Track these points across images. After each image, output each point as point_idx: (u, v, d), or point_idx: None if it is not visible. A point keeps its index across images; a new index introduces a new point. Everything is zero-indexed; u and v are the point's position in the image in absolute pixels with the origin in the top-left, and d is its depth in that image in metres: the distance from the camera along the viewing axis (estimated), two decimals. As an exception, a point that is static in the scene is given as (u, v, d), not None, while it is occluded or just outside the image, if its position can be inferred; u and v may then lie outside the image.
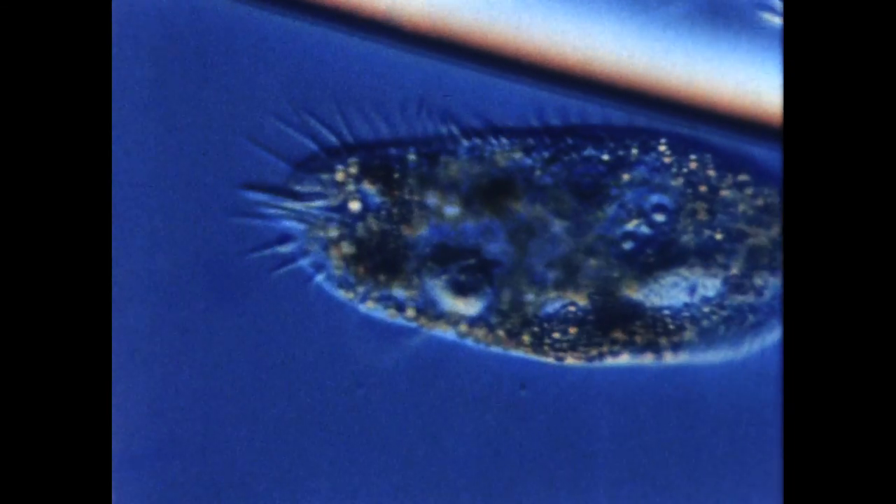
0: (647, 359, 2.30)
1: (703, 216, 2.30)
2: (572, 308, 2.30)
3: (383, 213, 2.31)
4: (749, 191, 2.31)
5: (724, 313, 2.30)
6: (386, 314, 2.31)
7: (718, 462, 2.30)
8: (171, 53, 2.32)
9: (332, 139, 2.32)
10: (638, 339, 2.30)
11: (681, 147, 2.31)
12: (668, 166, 2.31)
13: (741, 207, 2.31)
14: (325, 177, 2.32)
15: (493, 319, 2.30)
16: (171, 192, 2.31)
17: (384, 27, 2.32)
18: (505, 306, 2.30)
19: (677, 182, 2.31)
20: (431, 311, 2.30)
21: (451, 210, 2.30)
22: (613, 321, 2.30)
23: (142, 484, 2.30)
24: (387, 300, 2.31)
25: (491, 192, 2.30)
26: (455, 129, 2.32)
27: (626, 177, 2.31)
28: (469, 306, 2.30)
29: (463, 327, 2.30)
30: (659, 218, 2.31)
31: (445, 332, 2.31)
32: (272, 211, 2.31)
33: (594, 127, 2.32)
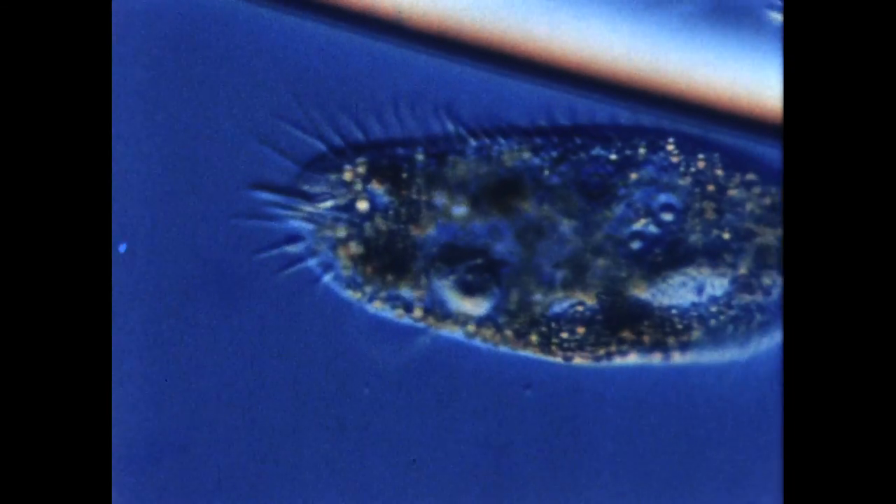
0: (656, 358, 2.30)
1: (710, 215, 2.30)
2: (580, 308, 2.30)
3: (391, 212, 2.31)
4: (757, 190, 2.31)
5: (732, 313, 2.30)
6: (394, 314, 2.31)
7: (718, 462, 2.30)
8: (172, 53, 2.32)
9: (340, 139, 2.32)
10: (646, 338, 2.30)
11: (688, 146, 2.31)
12: (676, 165, 2.31)
13: (749, 206, 2.30)
14: (333, 177, 2.32)
15: (501, 319, 2.30)
16: (171, 192, 2.32)
17: (391, 26, 2.32)
18: (513, 306, 2.30)
19: (685, 181, 2.31)
20: (439, 311, 2.31)
21: (459, 210, 2.30)
22: (621, 321, 2.30)
23: (142, 484, 2.30)
24: (395, 300, 2.31)
25: (499, 192, 2.30)
26: (463, 129, 2.32)
27: (633, 176, 2.31)
28: (477, 306, 2.30)
29: (471, 327, 2.30)
30: (667, 217, 2.31)
31: (453, 333, 2.31)
32: (280, 211, 2.31)
33: (602, 126, 2.32)
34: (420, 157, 2.31)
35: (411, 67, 2.32)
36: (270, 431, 2.32)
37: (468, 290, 2.30)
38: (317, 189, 2.32)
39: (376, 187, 2.31)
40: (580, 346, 2.30)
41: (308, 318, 2.31)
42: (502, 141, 2.32)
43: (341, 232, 2.31)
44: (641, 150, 2.31)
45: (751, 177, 2.31)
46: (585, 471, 2.31)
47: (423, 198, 2.31)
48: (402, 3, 2.31)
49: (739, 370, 2.30)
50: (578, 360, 2.30)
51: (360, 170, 2.32)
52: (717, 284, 2.30)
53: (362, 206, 2.31)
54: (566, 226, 2.30)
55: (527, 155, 2.31)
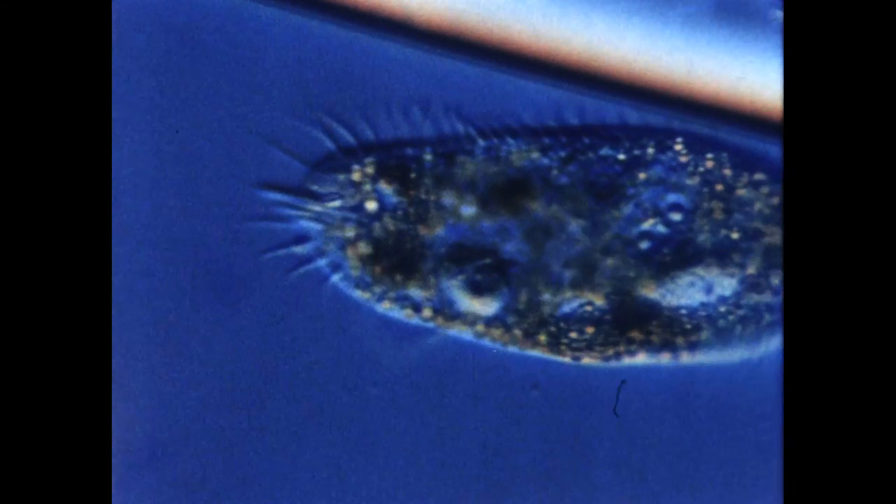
0: (664, 358, 2.30)
1: (719, 215, 2.30)
2: (589, 308, 2.30)
3: (400, 212, 2.31)
4: (765, 189, 2.31)
5: (741, 312, 2.30)
6: (402, 314, 2.31)
7: (718, 462, 2.30)
8: (172, 53, 2.32)
9: (349, 139, 2.32)
10: (654, 338, 2.30)
11: (697, 146, 2.31)
12: (685, 165, 2.31)
13: (757, 206, 2.30)
14: (341, 177, 2.32)
15: (510, 319, 2.30)
16: (173, 193, 2.31)
17: (399, 25, 2.32)
18: (521, 306, 2.30)
19: (693, 181, 2.31)
20: (448, 312, 2.30)
21: (468, 210, 2.30)
22: (630, 321, 2.30)
23: (142, 484, 2.30)
24: (403, 300, 2.31)
25: (507, 192, 2.30)
26: (471, 129, 2.32)
27: (642, 176, 2.31)
28: (485, 306, 2.30)
29: (480, 327, 2.30)
30: (675, 217, 2.31)
31: (462, 333, 2.31)
32: (288, 211, 2.31)
33: (611, 126, 2.32)
34: (428, 157, 2.31)
35: (419, 67, 2.32)
36: (276, 432, 2.31)
37: (477, 290, 2.30)
38: (325, 189, 2.32)
39: (385, 187, 2.31)
40: (589, 346, 2.30)
41: (316, 318, 2.31)
42: (511, 141, 2.31)
43: (350, 232, 2.31)
44: (650, 150, 2.31)
45: (759, 176, 2.31)
46: (586, 471, 2.31)
47: (432, 198, 2.31)
48: (411, 3, 2.31)
49: (742, 371, 2.30)
50: (587, 361, 2.30)
51: (369, 170, 2.32)
52: (725, 284, 2.30)
53: (371, 206, 2.31)
54: (575, 226, 2.30)
55: (535, 155, 2.31)
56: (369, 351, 2.31)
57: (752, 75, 2.30)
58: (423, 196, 2.31)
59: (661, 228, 2.31)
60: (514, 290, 2.30)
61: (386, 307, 2.31)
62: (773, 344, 2.30)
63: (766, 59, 2.30)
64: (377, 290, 2.31)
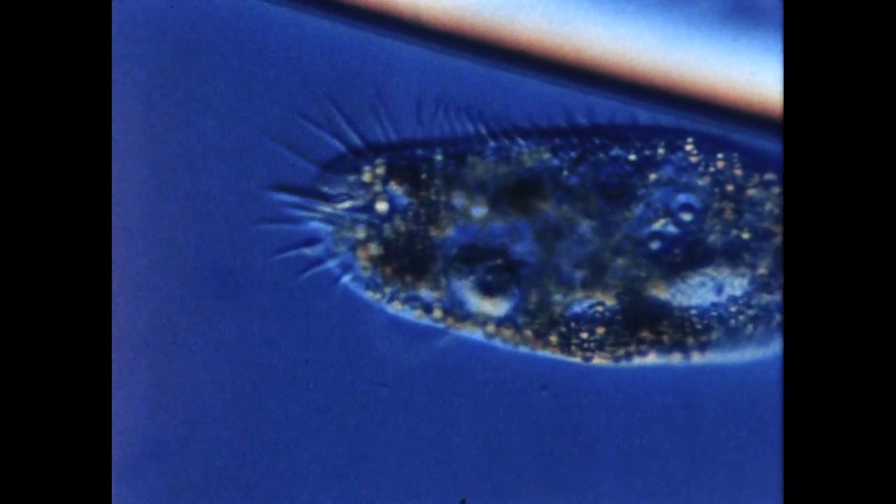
0: (675, 359, 2.30)
1: (730, 215, 2.30)
2: (600, 308, 2.30)
3: (410, 213, 2.31)
4: (776, 189, 2.30)
5: (752, 313, 2.30)
6: (413, 315, 2.31)
7: (719, 463, 2.30)
8: (173, 53, 2.32)
9: (359, 140, 2.32)
10: (665, 338, 2.30)
11: (707, 146, 2.31)
12: (695, 165, 2.31)
13: (768, 206, 2.30)
14: (351, 178, 2.32)
15: (521, 320, 2.30)
16: (174, 193, 2.31)
17: (408, 24, 2.31)
18: (532, 307, 2.30)
19: (704, 181, 2.31)
20: (459, 312, 2.30)
21: (478, 210, 2.30)
22: (641, 321, 2.30)
23: (142, 484, 2.31)
24: (414, 301, 2.31)
25: (518, 193, 2.30)
26: (482, 129, 2.31)
27: (652, 176, 2.31)
28: (496, 307, 2.30)
29: (490, 328, 2.30)
30: (686, 217, 2.30)
31: (473, 333, 2.31)
32: (299, 212, 2.31)
33: (621, 127, 2.32)
34: (439, 157, 2.31)
35: (429, 67, 2.32)
36: (278, 432, 2.32)
37: (488, 290, 2.30)
38: (335, 190, 2.32)
39: (395, 188, 2.31)
40: (600, 346, 2.30)
41: (327, 319, 2.31)
42: (521, 141, 2.31)
43: (360, 233, 2.31)
44: (660, 151, 2.31)
45: (769, 176, 2.31)
46: (586, 470, 2.31)
47: (442, 199, 2.31)
48: (420, 2, 2.31)
49: (733, 371, 2.31)
50: (598, 361, 2.30)
51: (379, 171, 2.31)
52: (736, 284, 2.30)
53: (381, 207, 2.31)
54: (585, 226, 2.30)
55: (546, 155, 2.31)
56: (379, 352, 2.31)
57: (765, 73, 2.30)
58: (433, 197, 2.31)
59: (671, 229, 2.30)
60: (524, 291, 2.30)
61: (397, 308, 2.31)
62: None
63: (777, 58, 2.30)
64: (388, 291, 2.31)
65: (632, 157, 2.31)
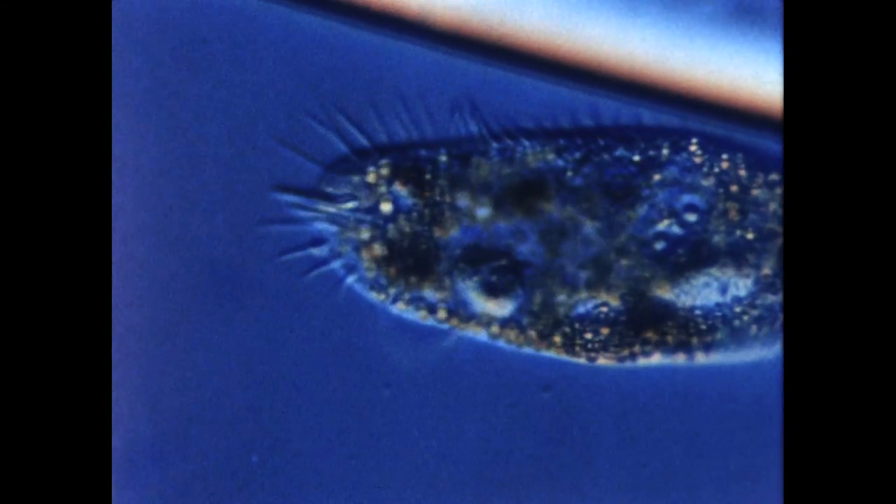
0: (679, 359, 2.30)
1: (734, 216, 2.30)
2: (604, 308, 2.30)
3: (415, 214, 2.31)
4: (780, 190, 2.30)
5: (756, 313, 2.30)
6: (417, 316, 2.31)
7: (719, 462, 2.31)
8: (173, 53, 2.31)
9: (363, 140, 2.32)
10: (669, 339, 2.30)
11: (712, 147, 2.31)
12: (700, 166, 2.31)
13: (772, 207, 2.30)
14: (356, 178, 2.32)
15: (525, 320, 2.30)
16: (175, 194, 2.31)
17: (413, 25, 2.31)
18: (536, 307, 2.30)
19: (708, 182, 2.31)
20: (463, 313, 2.30)
21: (483, 211, 2.30)
22: (645, 321, 2.30)
23: (142, 484, 2.31)
24: (418, 302, 2.31)
25: (522, 193, 2.30)
26: (486, 130, 2.31)
27: (657, 177, 2.31)
28: (500, 307, 2.30)
29: (494, 328, 2.30)
30: (690, 218, 2.30)
31: (477, 334, 2.31)
32: (303, 213, 2.31)
33: (625, 127, 2.31)
34: (443, 158, 2.31)
35: (434, 68, 2.31)
36: (279, 432, 2.32)
37: (492, 291, 2.30)
38: (340, 191, 2.32)
39: (399, 189, 2.31)
40: (604, 346, 2.30)
41: (331, 319, 2.31)
42: (526, 142, 2.31)
43: (365, 234, 2.31)
44: (665, 151, 2.31)
45: (774, 177, 2.30)
46: (589, 470, 2.32)
47: (447, 199, 2.31)
48: (426, 3, 2.31)
49: (733, 371, 2.31)
50: (602, 361, 2.30)
51: (384, 171, 2.31)
52: (740, 285, 2.30)
53: (386, 207, 2.31)
54: (590, 227, 2.30)
55: (550, 156, 2.31)
56: (383, 352, 2.31)
57: (769, 73, 2.30)
58: (437, 198, 2.31)
59: (676, 229, 2.30)
60: (528, 292, 2.30)
61: (401, 308, 2.31)
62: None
63: (777, 58, 2.30)
64: (392, 291, 2.31)
65: (636, 157, 2.31)
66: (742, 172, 2.30)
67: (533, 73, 2.31)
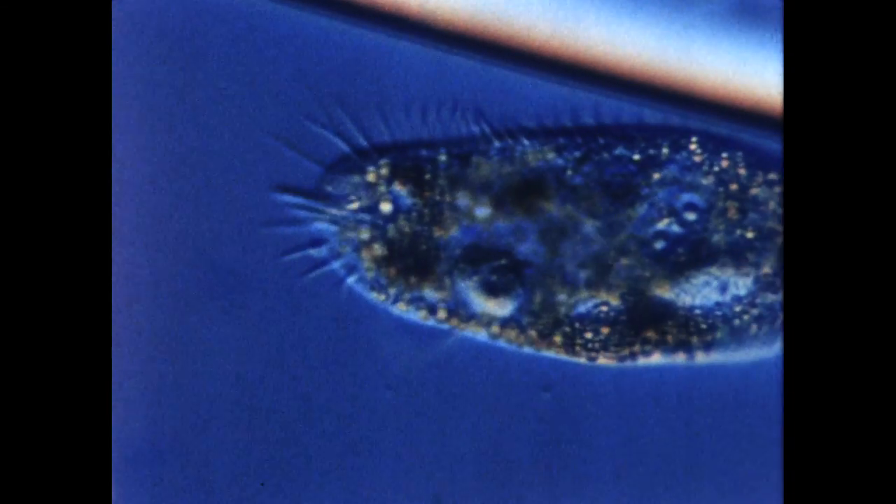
0: (679, 358, 2.30)
1: (734, 215, 2.30)
2: (604, 308, 2.30)
3: (414, 214, 2.31)
4: (779, 188, 2.30)
5: (756, 312, 2.30)
6: (418, 316, 2.31)
7: (719, 461, 2.31)
8: (173, 53, 2.31)
9: (363, 140, 2.32)
10: (669, 338, 2.30)
11: (711, 146, 2.31)
12: (699, 165, 2.31)
13: (772, 205, 2.30)
14: (356, 178, 2.31)
15: (525, 320, 2.30)
16: (175, 194, 2.31)
17: (414, 25, 2.31)
18: (536, 307, 2.30)
19: (708, 181, 2.31)
20: (463, 313, 2.30)
21: (483, 211, 2.30)
22: (645, 320, 2.30)
23: (142, 484, 2.30)
24: (418, 302, 2.30)
25: (522, 193, 2.30)
26: (487, 129, 2.31)
27: (657, 176, 2.31)
28: (500, 307, 2.30)
29: (495, 328, 2.30)
30: (690, 217, 2.30)
31: (477, 334, 2.31)
32: (303, 213, 2.31)
33: (625, 126, 2.31)
34: (443, 157, 2.31)
35: (434, 67, 2.31)
36: (279, 432, 2.31)
37: (492, 290, 2.30)
38: (339, 191, 2.31)
39: (399, 189, 2.30)
40: (604, 346, 2.30)
41: (332, 320, 2.31)
42: (525, 141, 2.31)
43: (364, 234, 2.31)
44: (664, 150, 2.31)
45: (773, 176, 2.31)
46: (589, 470, 2.32)
47: (447, 199, 2.30)
48: (429, 2, 2.31)
49: (733, 371, 2.31)
50: (602, 361, 2.30)
51: (384, 171, 2.31)
52: (740, 284, 2.30)
53: (386, 207, 2.31)
54: (590, 226, 2.30)
55: (550, 155, 2.31)
56: (383, 353, 2.31)
57: (769, 72, 2.30)
58: (437, 197, 2.31)
59: (675, 228, 2.30)
60: (529, 291, 2.30)
61: (401, 309, 2.31)
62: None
63: (777, 58, 2.30)
64: (392, 291, 2.31)
65: (636, 156, 2.31)
66: (742, 171, 2.30)
67: (532, 72, 2.31)
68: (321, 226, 2.31)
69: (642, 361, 2.30)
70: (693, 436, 2.31)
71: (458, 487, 2.31)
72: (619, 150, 2.31)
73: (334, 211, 2.31)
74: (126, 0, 2.30)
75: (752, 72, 2.30)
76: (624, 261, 2.30)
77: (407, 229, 2.31)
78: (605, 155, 2.31)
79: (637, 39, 2.30)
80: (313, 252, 2.31)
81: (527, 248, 2.30)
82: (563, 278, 2.30)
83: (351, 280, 2.31)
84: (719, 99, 2.31)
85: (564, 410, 2.31)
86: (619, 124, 2.32)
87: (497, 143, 2.31)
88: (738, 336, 2.30)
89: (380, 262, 2.30)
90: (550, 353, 2.31)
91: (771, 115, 2.30)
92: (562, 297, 2.30)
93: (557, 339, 2.30)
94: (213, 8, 2.30)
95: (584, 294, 2.30)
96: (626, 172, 2.31)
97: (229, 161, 2.31)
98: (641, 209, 2.30)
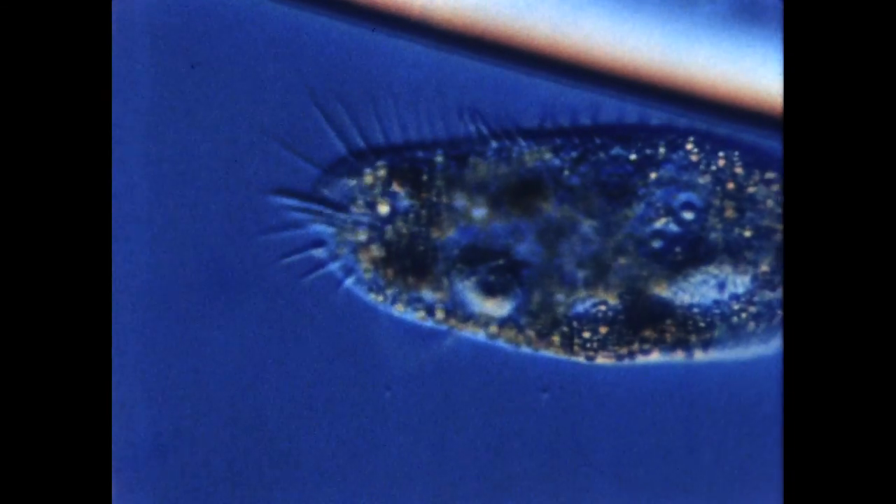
0: (678, 356, 2.30)
1: (731, 213, 2.30)
2: (602, 307, 2.30)
3: (412, 215, 2.31)
4: (776, 187, 2.31)
5: (754, 310, 2.30)
6: (416, 317, 2.31)
7: (719, 460, 2.31)
8: (173, 53, 2.31)
9: (360, 141, 2.32)
10: (668, 337, 2.30)
11: (708, 145, 2.31)
12: (696, 164, 2.31)
13: (769, 204, 2.31)
14: (353, 180, 2.32)
15: (523, 320, 2.30)
16: (172, 194, 2.31)
17: (410, 24, 2.32)
18: (535, 307, 2.30)
19: (705, 180, 2.31)
20: (461, 313, 2.30)
21: (480, 211, 2.30)
22: (643, 320, 2.30)
23: (142, 484, 2.30)
24: (416, 303, 2.31)
25: (519, 193, 2.31)
26: (483, 130, 2.32)
27: (653, 175, 2.31)
28: (499, 307, 2.30)
29: (493, 329, 2.30)
30: (687, 216, 2.31)
31: (475, 334, 2.31)
32: (300, 215, 2.31)
33: (622, 126, 2.32)
34: (440, 159, 2.31)
35: (430, 67, 2.32)
36: (278, 433, 2.31)
37: (490, 291, 2.30)
38: (337, 192, 2.32)
39: (397, 190, 2.31)
40: (603, 345, 2.30)
41: (330, 321, 2.31)
42: (522, 142, 2.32)
43: (362, 235, 2.31)
44: (661, 150, 2.31)
45: (770, 174, 2.31)
46: (588, 470, 2.31)
47: (444, 200, 2.31)
48: (428, 2, 2.31)
49: (734, 370, 2.31)
50: (601, 360, 2.30)
51: (381, 173, 2.32)
52: (738, 282, 2.30)
53: (383, 209, 2.31)
54: (587, 226, 2.30)
55: (547, 155, 2.31)
56: (382, 354, 2.31)
57: (769, 71, 2.31)
58: (434, 198, 2.31)
59: (673, 227, 2.31)
60: (526, 291, 2.30)
61: (399, 310, 2.31)
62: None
63: (777, 57, 2.31)
64: (390, 293, 2.31)
65: (632, 156, 2.31)
66: (738, 170, 2.31)
67: (531, 71, 2.31)
68: (319, 227, 2.31)
69: (641, 360, 2.30)
70: (692, 434, 2.30)
71: (457, 487, 2.31)
72: (615, 150, 2.31)
73: (331, 212, 2.31)
74: (126, 0, 2.31)
75: (751, 71, 2.31)
76: (622, 260, 2.30)
77: (404, 230, 2.31)
78: (602, 155, 2.31)
79: (636, 39, 2.31)
80: (312, 254, 2.31)
81: (524, 248, 2.30)
82: (561, 278, 2.30)
83: (349, 281, 2.31)
84: (717, 98, 2.32)
85: (563, 409, 2.31)
86: (616, 124, 2.32)
87: (494, 144, 2.31)
88: (736, 334, 2.30)
89: (377, 264, 2.31)
90: (549, 353, 2.31)
91: (769, 114, 2.31)
92: (560, 296, 2.30)
93: (556, 338, 2.30)
94: (213, 8, 2.31)
95: (582, 294, 2.30)
96: (622, 172, 2.31)
97: (229, 161, 2.31)
98: (639, 209, 2.31)
